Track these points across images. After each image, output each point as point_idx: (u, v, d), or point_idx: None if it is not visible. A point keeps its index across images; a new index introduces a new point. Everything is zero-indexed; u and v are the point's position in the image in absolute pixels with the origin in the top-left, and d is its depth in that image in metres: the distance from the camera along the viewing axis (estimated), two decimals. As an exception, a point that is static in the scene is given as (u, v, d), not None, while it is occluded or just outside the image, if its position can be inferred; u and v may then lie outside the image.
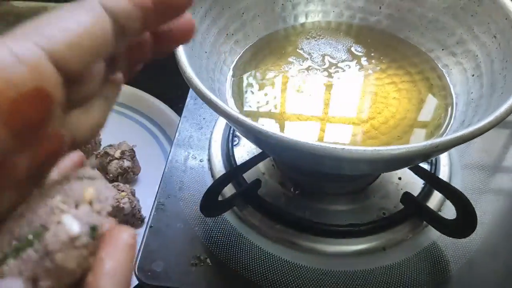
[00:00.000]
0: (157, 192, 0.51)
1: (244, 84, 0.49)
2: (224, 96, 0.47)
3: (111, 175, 0.65)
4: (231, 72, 0.50)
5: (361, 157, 0.32)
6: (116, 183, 0.62)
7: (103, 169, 0.66)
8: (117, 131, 0.72)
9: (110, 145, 0.68)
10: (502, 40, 0.44)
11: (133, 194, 0.62)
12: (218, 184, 0.45)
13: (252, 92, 0.48)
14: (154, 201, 0.50)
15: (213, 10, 0.48)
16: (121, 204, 0.59)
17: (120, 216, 0.59)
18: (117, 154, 0.66)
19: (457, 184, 0.51)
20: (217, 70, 0.48)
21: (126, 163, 0.66)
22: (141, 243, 0.46)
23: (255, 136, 0.35)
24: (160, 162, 0.67)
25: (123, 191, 0.61)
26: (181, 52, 0.40)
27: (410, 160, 0.37)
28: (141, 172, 0.69)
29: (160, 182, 0.52)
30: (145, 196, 0.63)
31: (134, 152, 0.68)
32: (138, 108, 0.78)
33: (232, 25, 0.51)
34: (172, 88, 0.74)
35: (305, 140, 0.32)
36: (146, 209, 0.60)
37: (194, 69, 0.40)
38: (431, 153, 0.34)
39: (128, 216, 0.60)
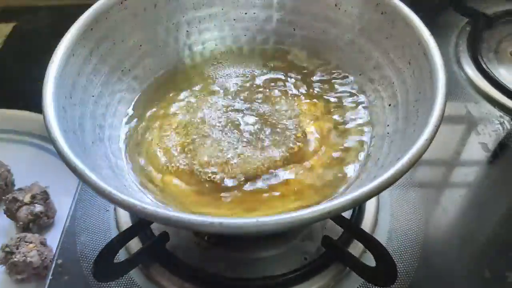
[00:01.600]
0: (55, 253, 0.45)
1: (142, 126, 0.44)
2: (117, 144, 0.42)
3: (21, 222, 0.59)
4: (130, 113, 0.45)
5: (243, 230, 0.28)
6: (23, 234, 0.56)
7: (12, 216, 0.60)
8: (30, 166, 0.65)
9: (20, 189, 0.61)
10: (415, 67, 0.40)
11: (44, 243, 0.56)
12: (113, 245, 0.40)
13: (152, 135, 0.43)
14: (52, 263, 0.45)
15: (101, 48, 0.43)
16: (28, 258, 0.53)
17: (28, 270, 0.54)
18: (27, 198, 0.60)
19: (385, 218, 0.48)
20: (109, 114, 0.43)
21: (38, 208, 0.60)
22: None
23: (127, 210, 0.30)
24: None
25: (31, 242, 0.55)
26: (49, 106, 0.34)
27: (303, 226, 0.33)
28: (58, 214, 0.63)
29: (60, 240, 0.46)
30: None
31: (47, 194, 0.62)
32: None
33: (127, 60, 0.46)
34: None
35: (180, 215, 0.28)
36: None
37: (69, 122, 0.35)
38: (325, 218, 0.30)
39: (39, 269, 0.55)
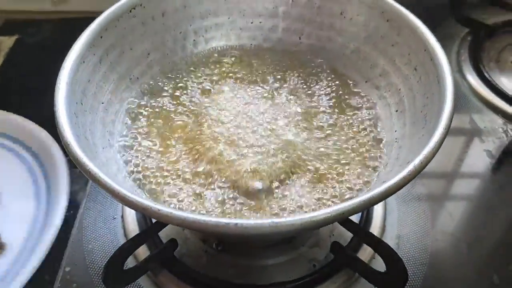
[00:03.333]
0: (63, 260, 0.45)
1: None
2: (127, 151, 0.42)
3: None
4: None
5: (258, 231, 0.28)
6: None
7: None
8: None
9: None
10: (422, 73, 0.41)
11: None
12: (123, 251, 0.40)
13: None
14: (59, 271, 0.44)
15: (110, 55, 0.43)
16: None
17: None
18: None
19: (393, 225, 0.48)
20: (118, 121, 0.43)
21: None
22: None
23: (139, 211, 0.30)
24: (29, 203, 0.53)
25: None
26: (61, 111, 0.35)
27: (318, 227, 0.33)
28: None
29: (67, 247, 0.46)
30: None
31: None
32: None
33: (136, 68, 0.46)
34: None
35: (196, 216, 0.28)
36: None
37: (80, 127, 0.35)
38: (340, 219, 0.30)
39: None
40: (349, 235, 0.46)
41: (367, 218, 0.47)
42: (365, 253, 0.44)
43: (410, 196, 0.51)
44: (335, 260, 0.44)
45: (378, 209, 0.48)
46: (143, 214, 0.38)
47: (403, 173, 0.30)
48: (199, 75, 0.49)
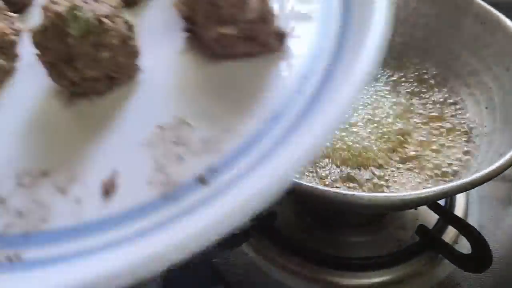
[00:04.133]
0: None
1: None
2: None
3: None
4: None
5: (366, 203, 0.33)
6: None
7: None
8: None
9: None
10: (515, 73, 0.44)
11: None
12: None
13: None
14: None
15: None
16: None
17: None
18: None
19: (473, 215, 0.51)
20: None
21: None
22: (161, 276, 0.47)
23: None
24: None
25: None
26: None
27: (421, 204, 0.38)
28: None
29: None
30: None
31: None
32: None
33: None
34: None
35: (311, 185, 0.33)
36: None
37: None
38: (439, 198, 0.34)
39: None
40: (433, 221, 0.49)
41: (451, 201, 0.51)
42: (448, 236, 0.48)
43: (491, 187, 0.53)
44: (420, 241, 0.48)
45: (459, 200, 0.52)
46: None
47: (504, 158, 0.34)
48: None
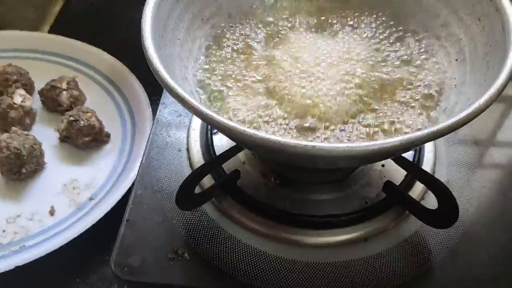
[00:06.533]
0: (134, 184, 0.50)
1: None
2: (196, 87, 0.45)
3: (64, 105, 0.69)
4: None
5: (333, 155, 0.31)
6: (78, 107, 0.67)
7: (53, 102, 0.70)
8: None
9: (53, 80, 0.70)
10: (486, 23, 0.42)
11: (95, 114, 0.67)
12: (195, 176, 0.44)
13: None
14: (131, 194, 0.49)
15: (185, -6, 0.46)
16: (91, 122, 0.64)
17: (91, 134, 0.65)
18: (64, 85, 0.69)
19: (442, 170, 0.50)
20: (191, 58, 0.46)
21: (75, 92, 0.70)
22: (118, 237, 0.45)
23: (224, 132, 0.34)
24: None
25: (88, 112, 0.65)
26: (148, 41, 0.38)
27: (386, 155, 0.36)
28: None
29: (137, 173, 0.50)
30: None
31: (76, 82, 0.72)
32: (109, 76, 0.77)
33: (207, 9, 0.49)
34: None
35: (275, 138, 0.31)
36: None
37: (162, 58, 0.38)
38: (406, 148, 0.32)
39: (97, 134, 0.66)
40: (400, 178, 0.48)
41: (418, 159, 0.49)
42: (415, 193, 0.47)
43: (459, 145, 0.53)
44: (386, 198, 0.47)
45: (428, 154, 0.51)
46: (228, 134, 0.40)
47: (470, 109, 0.32)
48: (270, 19, 0.51)
